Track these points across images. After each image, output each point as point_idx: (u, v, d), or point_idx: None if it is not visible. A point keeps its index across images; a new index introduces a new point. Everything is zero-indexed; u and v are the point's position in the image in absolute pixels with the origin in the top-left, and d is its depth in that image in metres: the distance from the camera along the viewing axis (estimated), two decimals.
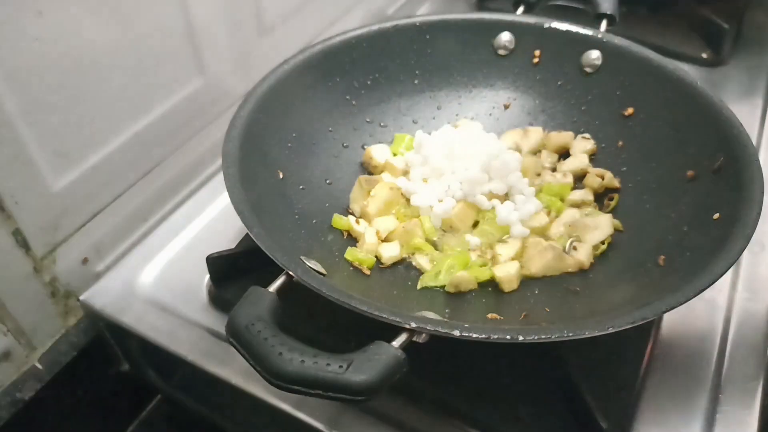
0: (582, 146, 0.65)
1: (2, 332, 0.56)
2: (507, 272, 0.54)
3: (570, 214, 0.60)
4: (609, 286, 0.54)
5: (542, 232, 0.59)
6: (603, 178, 0.62)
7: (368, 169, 0.66)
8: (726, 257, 0.45)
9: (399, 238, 0.58)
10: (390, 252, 0.57)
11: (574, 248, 0.56)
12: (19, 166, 0.53)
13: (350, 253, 0.56)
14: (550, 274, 0.56)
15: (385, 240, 0.58)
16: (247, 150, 0.54)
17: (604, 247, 0.57)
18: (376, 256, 0.57)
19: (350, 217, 0.60)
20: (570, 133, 0.66)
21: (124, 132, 0.62)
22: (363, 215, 0.60)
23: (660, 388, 0.52)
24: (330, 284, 0.45)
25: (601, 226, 0.58)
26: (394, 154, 0.66)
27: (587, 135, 0.66)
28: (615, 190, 0.62)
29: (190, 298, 0.60)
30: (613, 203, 0.61)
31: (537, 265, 0.55)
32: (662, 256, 0.53)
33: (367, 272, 0.56)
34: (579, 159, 0.64)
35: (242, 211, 0.48)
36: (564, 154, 0.66)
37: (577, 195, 0.62)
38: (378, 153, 0.65)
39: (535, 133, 0.67)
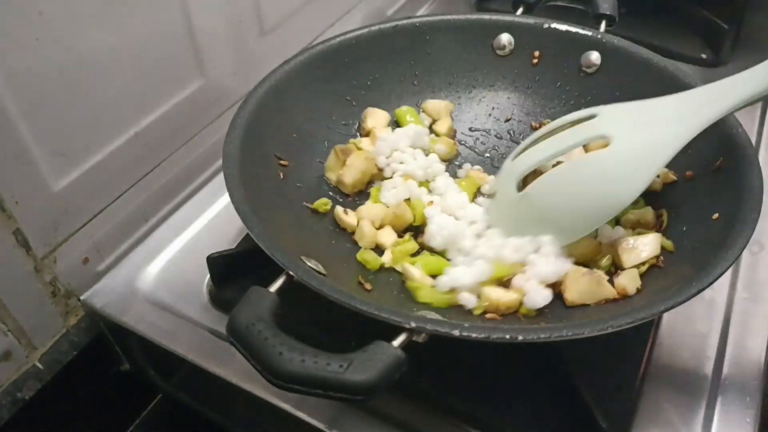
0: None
1: (3, 332, 0.57)
2: (501, 295, 0.51)
3: (614, 232, 0.55)
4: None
5: (589, 258, 0.54)
6: None
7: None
8: (725, 257, 0.45)
9: (390, 223, 0.59)
10: (386, 239, 0.58)
11: (617, 273, 0.52)
12: (20, 166, 0.53)
13: (362, 255, 0.56)
14: (590, 302, 0.51)
15: (379, 228, 0.59)
16: (248, 150, 0.54)
17: (644, 268, 0.52)
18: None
19: (338, 207, 0.59)
20: None
21: (124, 132, 0.62)
22: (339, 184, 0.61)
23: (660, 388, 0.52)
24: (330, 284, 0.45)
25: (641, 246, 0.53)
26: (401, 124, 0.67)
27: None
28: None
29: (190, 298, 0.60)
30: (664, 220, 0.56)
31: (573, 293, 0.51)
32: (661, 257, 0.53)
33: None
34: None
35: (242, 211, 0.48)
36: None
37: (636, 213, 0.56)
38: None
39: None
